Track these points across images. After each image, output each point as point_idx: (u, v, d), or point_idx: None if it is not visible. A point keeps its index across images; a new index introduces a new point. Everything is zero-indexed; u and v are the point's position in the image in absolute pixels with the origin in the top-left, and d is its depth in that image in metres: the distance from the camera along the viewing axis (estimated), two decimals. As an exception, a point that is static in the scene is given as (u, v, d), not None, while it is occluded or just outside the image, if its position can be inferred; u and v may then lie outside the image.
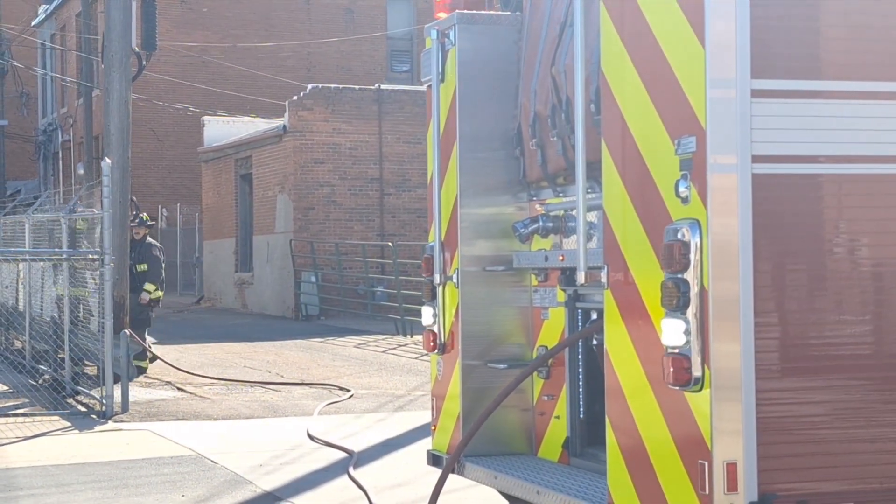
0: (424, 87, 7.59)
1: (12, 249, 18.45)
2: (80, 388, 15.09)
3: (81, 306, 15.51)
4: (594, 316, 6.47)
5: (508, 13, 7.30)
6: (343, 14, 41.90)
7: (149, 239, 17.68)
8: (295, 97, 30.04)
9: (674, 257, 5.12)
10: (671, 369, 5.12)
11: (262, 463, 11.02)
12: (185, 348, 21.12)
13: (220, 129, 34.83)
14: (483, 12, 7.32)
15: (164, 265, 17.86)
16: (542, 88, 6.78)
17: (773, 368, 5.14)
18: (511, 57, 7.16)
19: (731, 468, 4.99)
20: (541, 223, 6.85)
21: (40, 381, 15.86)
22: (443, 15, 7.30)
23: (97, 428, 13.17)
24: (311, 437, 12.23)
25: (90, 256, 14.67)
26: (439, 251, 7.23)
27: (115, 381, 13.96)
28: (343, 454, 11.25)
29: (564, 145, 6.57)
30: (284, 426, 13.22)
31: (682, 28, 5.18)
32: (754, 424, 5.05)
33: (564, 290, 6.77)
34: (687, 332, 5.08)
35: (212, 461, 11.15)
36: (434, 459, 7.35)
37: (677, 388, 5.14)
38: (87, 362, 15.64)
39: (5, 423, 13.43)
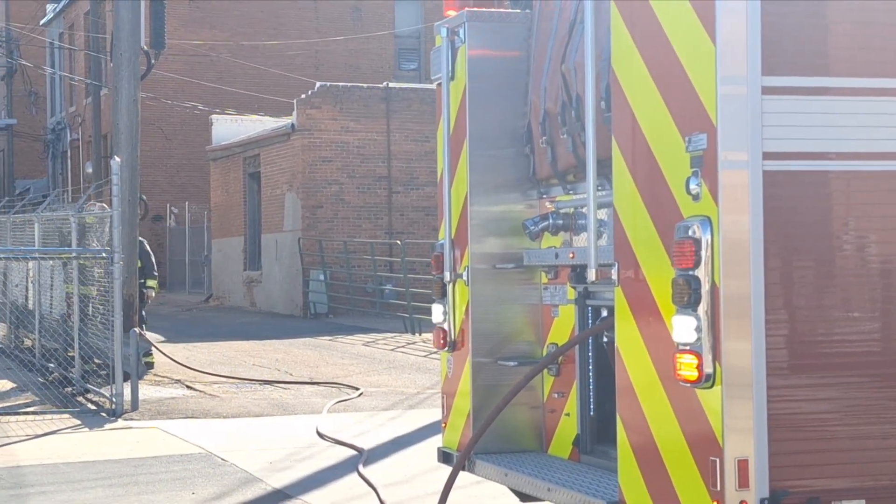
0: (433, 86, 7.59)
1: (22, 248, 18.49)
2: (89, 386, 15.12)
3: (91, 304, 15.54)
4: (604, 313, 6.47)
5: (518, 11, 7.30)
6: (351, 12, 41.92)
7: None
8: (303, 95, 30.06)
9: (685, 254, 5.12)
10: (682, 366, 5.12)
11: (272, 461, 11.03)
12: (194, 346, 21.15)
13: (229, 128, 34.87)
14: (493, 10, 7.32)
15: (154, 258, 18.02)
16: (553, 86, 6.79)
17: (785, 365, 5.14)
18: (521, 54, 7.17)
19: (742, 465, 5.00)
20: (551, 221, 6.85)
21: (50, 379, 15.89)
22: (452, 13, 7.30)
23: (107, 426, 13.20)
24: (321, 435, 12.25)
25: (101, 255, 14.69)
26: (449, 249, 7.23)
27: (125, 379, 13.99)
28: (353, 452, 11.26)
29: (574, 143, 6.57)
30: (294, 424, 13.23)
31: (692, 25, 5.18)
32: (765, 421, 5.05)
33: (575, 288, 6.77)
34: (698, 329, 5.08)
35: (221, 459, 11.17)
36: (444, 457, 7.36)
37: (688, 385, 5.14)
38: (95, 360, 15.66)
39: (15, 421, 13.47)
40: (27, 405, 14.54)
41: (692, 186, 5.16)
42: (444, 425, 7.47)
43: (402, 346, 21.58)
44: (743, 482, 5.00)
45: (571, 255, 6.64)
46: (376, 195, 29.77)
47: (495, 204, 7.16)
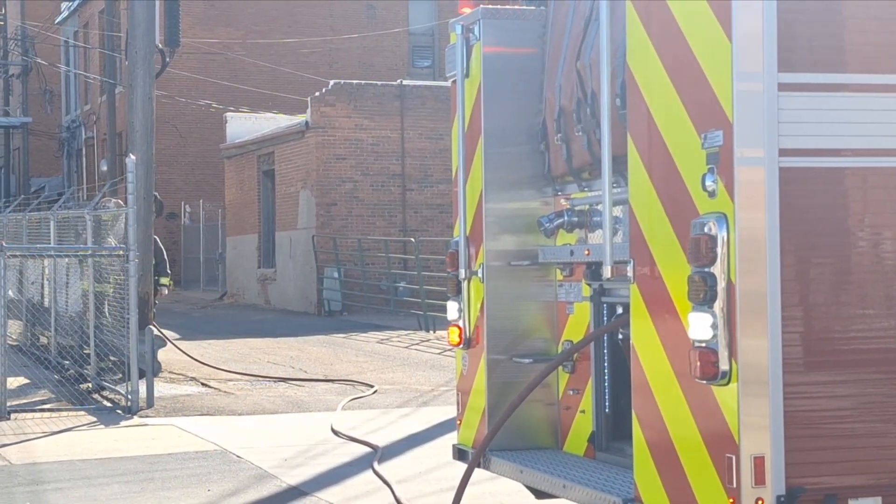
0: (447, 83, 7.60)
1: (38, 246, 18.55)
2: (105, 383, 15.17)
3: (107, 302, 15.59)
4: (620, 310, 6.47)
5: (533, 8, 7.30)
6: (365, 10, 41.94)
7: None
8: (317, 93, 30.08)
9: (701, 251, 5.12)
10: (698, 363, 5.12)
11: (287, 457, 11.05)
12: (209, 344, 21.19)
13: (243, 126, 34.91)
14: (507, 7, 7.32)
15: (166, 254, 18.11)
16: (568, 83, 6.78)
17: (801, 362, 5.13)
18: (536, 52, 7.16)
19: (758, 462, 4.99)
20: (566, 218, 6.85)
21: (65, 377, 15.94)
22: (467, 10, 7.30)
23: (122, 423, 13.23)
24: (336, 432, 12.26)
25: (118, 253, 14.73)
26: (464, 246, 7.23)
27: (140, 377, 14.03)
28: (367, 449, 11.28)
29: (590, 140, 6.57)
30: (309, 421, 13.25)
31: (708, 21, 5.18)
32: (782, 418, 5.05)
33: (590, 285, 6.77)
34: (714, 326, 5.08)
35: (237, 456, 11.19)
36: (460, 454, 7.36)
37: (704, 382, 5.14)
38: (111, 357, 15.71)
39: (32, 418, 13.51)
40: (43, 402, 14.58)
41: (708, 183, 5.16)
42: (459, 422, 7.47)
43: (417, 344, 21.59)
44: (759, 479, 4.99)
45: (587, 253, 6.64)
46: (390, 193, 29.78)
47: (510, 201, 7.16)
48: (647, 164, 5.59)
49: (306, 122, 29.82)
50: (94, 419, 13.48)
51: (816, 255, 5.21)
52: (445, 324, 7.66)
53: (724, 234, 5.07)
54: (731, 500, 5.01)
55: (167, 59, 19.90)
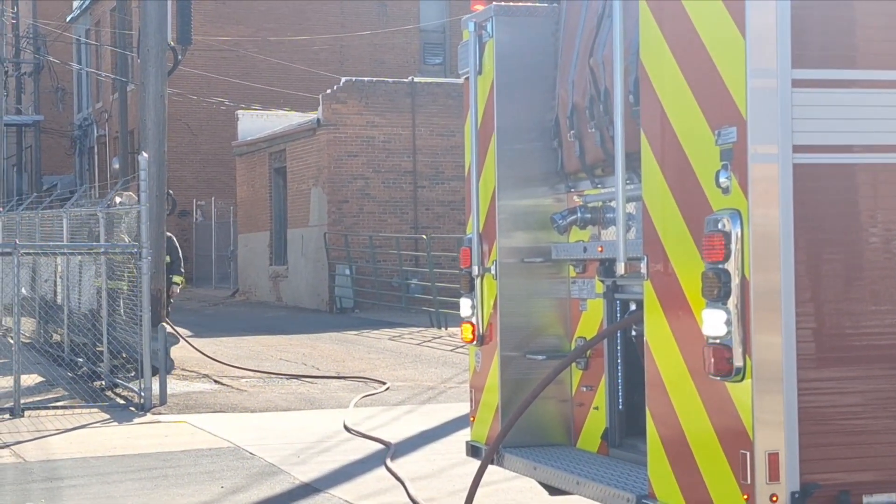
0: (458, 80, 7.61)
1: (51, 244, 18.60)
2: (118, 380, 15.21)
3: (121, 300, 15.63)
4: (633, 307, 6.47)
5: (546, 5, 7.30)
6: (376, 7, 41.94)
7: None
8: (328, 90, 30.10)
9: (714, 247, 5.12)
10: (712, 360, 5.12)
11: (300, 454, 11.07)
12: (221, 341, 21.23)
13: (254, 123, 34.95)
14: (520, 4, 7.32)
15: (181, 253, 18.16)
16: (580, 80, 6.78)
17: (815, 358, 5.13)
18: (548, 48, 7.16)
19: (772, 458, 4.99)
20: (579, 214, 6.85)
21: (79, 374, 15.99)
22: (480, 7, 7.30)
23: (136, 420, 13.27)
24: (348, 429, 12.28)
25: (129, 250, 14.77)
26: (477, 243, 7.24)
27: (153, 374, 14.07)
28: (380, 446, 11.29)
29: (603, 136, 6.57)
30: (321, 418, 13.27)
31: (722, 18, 5.17)
32: (796, 414, 5.05)
33: (603, 281, 6.77)
34: (728, 323, 5.08)
35: (250, 453, 11.21)
36: (473, 450, 7.37)
37: (718, 378, 5.14)
38: (123, 354, 15.75)
39: (46, 415, 13.56)
40: (57, 399, 14.63)
41: (722, 180, 5.16)
42: (472, 419, 7.48)
43: (429, 341, 21.60)
44: (773, 475, 4.99)
45: (600, 249, 6.64)
46: (402, 190, 29.79)
47: (523, 198, 7.16)
48: (661, 161, 5.59)
49: (318, 120, 29.84)
50: (108, 416, 13.52)
51: (830, 252, 5.21)
52: (457, 320, 7.68)
53: (738, 230, 5.07)
54: (746, 497, 5.01)
55: (179, 57, 19.92)
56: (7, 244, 18.06)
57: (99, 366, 15.77)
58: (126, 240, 15.56)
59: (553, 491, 6.89)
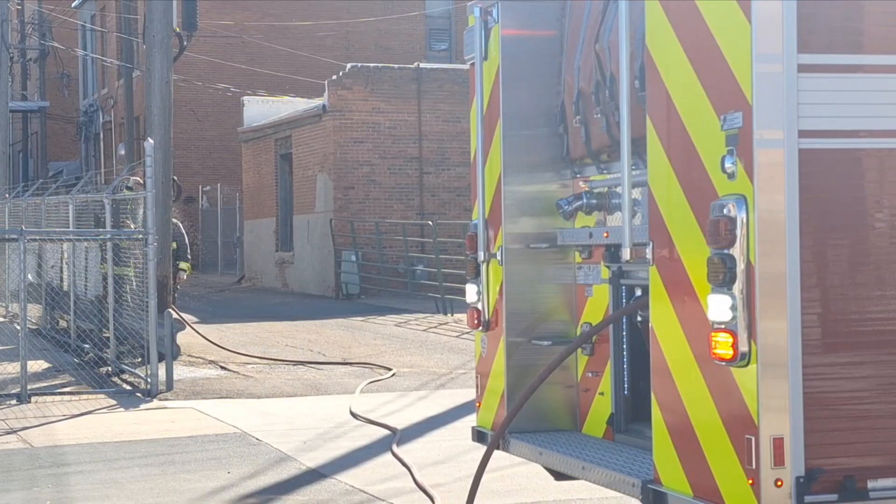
0: (464, 66, 7.59)
1: (57, 230, 18.62)
2: (124, 366, 15.25)
3: (128, 286, 15.66)
4: (638, 292, 6.47)
5: (551, -10, 7.28)
6: (381, -7, 41.89)
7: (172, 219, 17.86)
8: (334, 76, 30.09)
9: (720, 233, 5.11)
10: (718, 345, 5.12)
11: (306, 440, 11.10)
12: (227, 327, 21.27)
13: (260, 109, 34.95)
14: (526, -11, 7.30)
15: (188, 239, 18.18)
16: (586, 65, 6.78)
17: (820, 343, 5.13)
18: (554, 34, 7.15)
19: (777, 443, 5.00)
20: (585, 200, 6.85)
21: (85, 360, 16.03)
22: (485, -8, 7.28)
23: (142, 406, 13.31)
24: (354, 415, 12.31)
25: (135, 237, 14.79)
26: (483, 229, 7.24)
27: (160, 360, 14.09)
28: (386, 432, 11.31)
29: (608, 122, 6.57)
30: (327, 404, 13.30)
31: (727, 3, 5.16)
32: (801, 399, 5.05)
33: (608, 267, 6.77)
34: (733, 308, 5.08)
35: (256, 438, 11.24)
36: (479, 436, 7.38)
37: (724, 363, 5.14)
38: (130, 340, 15.79)
39: (52, 401, 13.60)
40: (64, 385, 14.68)
41: (727, 165, 5.16)
42: (478, 405, 7.49)
43: (434, 327, 21.63)
44: (778, 460, 5.00)
45: (605, 235, 6.64)
46: (408, 176, 29.79)
47: (529, 184, 7.16)
48: (666, 147, 5.59)
49: (323, 106, 29.83)
50: (114, 402, 13.56)
51: (835, 237, 5.20)
52: (463, 306, 7.67)
53: (744, 215, 5.07)
54: (751, 481, 5.02)
55: (184, 43, 19.93)
56: (13, 230, 18.09)
57: (105, 352, 15.81)
58: (131, 226, 15.58)
59: (559, 476, 6.90)
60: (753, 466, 5.01)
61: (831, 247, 5.20)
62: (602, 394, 6.89)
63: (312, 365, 16.47)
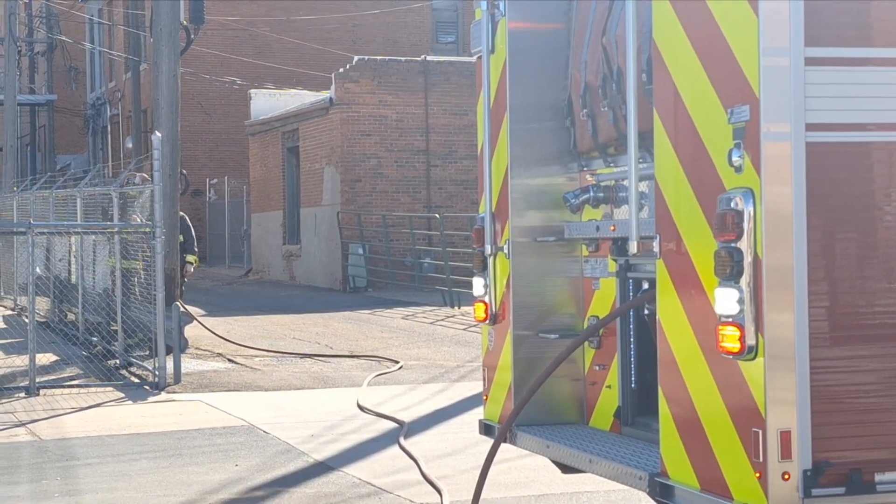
0: (471, 59, 7.59)
1: (65, 223, 18.65)
2: (132, 359, 15.28)
3: (136, 279, 15.69)
4: (645, 286, 6.48)
5: (558, -17, 7.27)
6: (388, -14, 41.86)
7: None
8: (341, 69, 30.09)
9: (727, 226, 5.11)
10: (725, 338, 5.13)
11: (314, 433, 11.12)
12: (235, 320, 21.30)
13: (267, 102, 34.96)
14: (533, -17, 7.29)
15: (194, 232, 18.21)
16: (593, 59, 6.77)
17: (827, 337, 5.13)
18: (561, 27, 7.14)
19: (784, 436, 5.00)
20: (592, 193, 6.85)
21: (93, 353, 16.06)
22: (492, -14, 7.28)
23: (150, 399, 13.34)
24: (362, 408, 12.33)
25: (143, 230, 14.82)
26: (490, 222, 7.24)
27: (167, 353, 14.12)
28: (393, 424, 11.33)
29: (615, 115, 6.57)
30: (335, 397, 13.32)
31: (735, -4, 5.16)
32: (808, 393, 5.05)
33: (616, 260, 6.77)
34: (740, 301, 5.08)
35: (264, 431, 11.27)
36: (486, 429, 7.39)
37: (731, 357, 5.14)
38: (138, 333, 15.82)
39: (61, 394, 13.63)
40: (72, 378, 14.71)
41: (734, 158, 5.15)
42: (485, 398, 7.50)
43: (442, 320, 21.64)
44: (785, 453, 5.00)
45: (612, 228, 6.64)
46: (415, 169, 29.79)
47: (536, 177, 7.16)
48: (674, 140, 5.59)
49: (330, 99, 29.84)
50: (122, 395, 13.59)
51: (843, 230, 5.20)
52: (470, 299, 7.68)
53: (751, 209, 5.07)
54: (758, 475, 5.02)
55: (192, 36, 19.94)
56: (21, 223, 18.14)
57: (113, 345, 15.85)
58: (138, 219, 15.60)
59: (566, 469, 6.91)
60: (761, 459, 5.01)
61: (839, 240, 5.20)
62: (609, 387, 6.89)
63: (320, 358, 16.49)
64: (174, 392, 13.66)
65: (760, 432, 5.01)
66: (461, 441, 10.42)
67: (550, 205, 7.14)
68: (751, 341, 5.07)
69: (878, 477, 5.14)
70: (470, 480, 7.87)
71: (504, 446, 6.94)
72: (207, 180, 40.75)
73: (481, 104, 7.33)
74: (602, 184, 6.87)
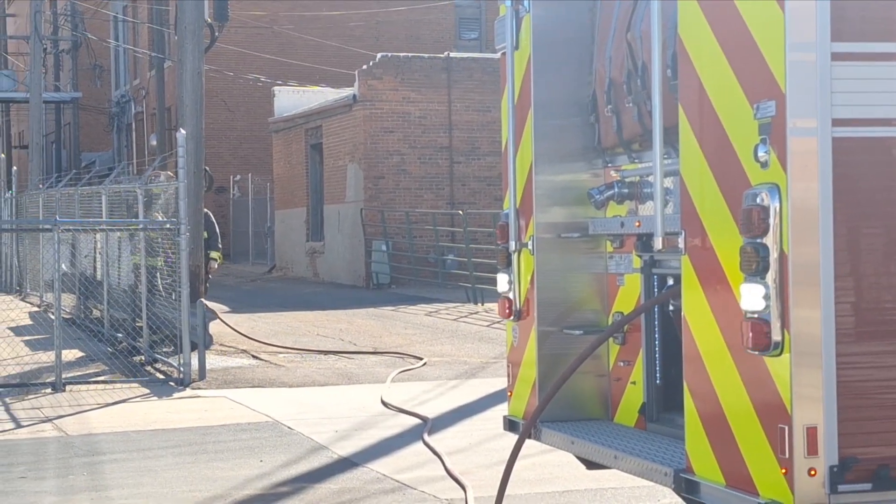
0: (494, 55, 7.59)
1: (90, 220, 18.74)
2: (157, 355, 15.34)
3: (158, 275, 15.76)
4: (670, 282, 6.47)
5: (583, -21, 7.26)
6: (411, -18, 41.86)
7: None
8: (364, 66, 30.11)
9: (753, 222, 5.10)
10: (750, 334, 5.11)
11: (338, 429, 11.14)
12: (259, 317, 21.36)
13: (291, 99, 35.02)
14: (557, -22, 7.28)
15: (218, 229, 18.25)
16: (618, 54, 6.77)
17: (854, 332, 5.11)
18: (585, 23, 7.14)
19: (811, 432, 4.99)
20: (616, 189, 6.84)
21: (118, 349, 16.14)
22: (516, -18, 7.27)
23: (175, 395, 13.39)
24: (386, 404, 12.35)
25: (168, 227, 14.87)
26: (514, 218, 7.24)
27: (192, 349, 14.17)
28: (417, 421, 11.34)
29: (640, 111, 6.56)
30: (358, 393, 13.35)
31: (761, -9, 5.14)
32: (835, 388, 5.04)
33: (640, 256, 6.76)
34: (766, 297, 5.07)
35: (288, 427, 11.30)
36: (510, 425, 7.40)
37: (756, 353, 5.13)
38: (163, 330, 15.88)
39: (87, 390, 13.70)
40: (97, 374, 14.78)
41: (760, 154, 5.14)
42: (509, 394, 7.50)
43: (465, 316, 21.65)
44: (812, 450, 4.99)
45: (637, 224, 6.63)
46: (438, 165, 29.80)
47: (560, 173, 7.16)
48: (699, 135, 5.58)
49: (353, 96, 29.87)
50: (148, 391, 13.65)
51: (869, 225, 5.18)
52: (493, 296, 7.68)
53: (777, 204, 5.06)
54: (784, 471, 5.01)
55: (216, 34, 19.99)
56: (47, 220, 18.24)
57: (138, 341, 15.91)
58: (160, 217, 15.66)
59: (590, 465, 6.91)
60: (787, 456, 5.00)
61: (865, 235, 5.18)
62: (634, 383, 6.88)
63: (343, 354, 16.52)
64: (199, 388, 13.71)
65: (786, 428, 5.00)
66: (485, 437, 10.43)
67: (575, 201, 7.14)
68: (777, 337, 5.06)
69: (905, 473, 5.12)
70: (493, 476, 7.88)
71: (528, 442, 6.94)
72: (231, 177, 40.85)
73: (505, 100, 7.33)
74: (627, 180, 6.86)
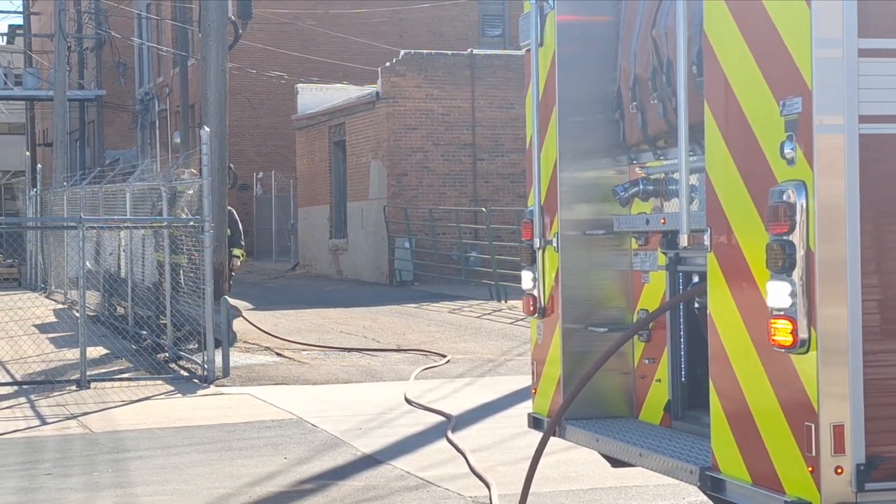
0: (518, 52, 7.59)
1: (115, 217, 18.80)
2: (181, 352, 15.38)
3: (182, 272, 15.80)
4: (696, 279, 6.44)
5: (607, -24, 7.25)
6: (434, -21, 41.85)
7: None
8: (387, 63, 30.12)
9: (779, 219, 5.08)
10: (777, 332, 5.09)
11: (362, 426, 11.15)
12: (282, 314, 21.39)
13: (314, 97, 35.05)
14: (581, -25, 7.26)
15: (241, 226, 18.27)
16: (643, 51, 6.75)
17: (880, 330, 5.08)
18: (610, 20, 7.12)
19: (837, 430, 4.96)
20: (641, 186, 6.82)
21: (143, 346, 16.19)
22: (541, -21, 7.26)
23: (199, 392, 13.43)
24: (409, 402, 12.35)
25: (192, 224, 14.91)
26: (539, 215, 7.23)
27: (216, 346, 14.20)
28: (440, 418, 11.34)
29: (665, 108, 6.53)
30: (382, 391, 13.35)
31: (787, -13, 5.12)
32: (861, 386, 5.01)
33: (665, 254, 6.74)
34: (793, 295, 5.05)
35: (312, 424, 11.31)
36: (535, 422, 7.39)
37: (783, 350, 5.11)
38: (186, 327, 15.92)
39: (111, 387, 13.75)
40: (122, 371, 14.84)
41: (787, 150, 5.12)
42: (534, 391, 7.49)
43: (488, 314, 21.64)
44: (838, 448, 4.97)
45: (662, 221, 6.61)
46: (461, 163, 29.78)
47: (585, 170, 7.14)
48: (724, 132, 5.56)
49: (377, 93, 29.88)
50: (172, 388, 13.69)
51: (896, 223, 5.15)
52: (517, 293, 7.67)
53: (804, 201, 5.03)
54: (811, 469, 4.99)
55: (240, 31, 20.03)
56: (72, 218, 18.30)
57: (162, 338, 15.96)
58: (185, 215, 15.70)
59: (615, 463, 6.90)
60: (813, 454, 4.98)
61: (892, 232, 5.15)
62: (659, 380, 6.86)
63: (367, 352, 16.53)
64: (223, 385, 13.74)
65: (813, 426, 4.98)
66: (509, 434, 10.42)
67: (599, 198, 7.12)
68: (803, 335, 5.03)
69: (932, 472, 5.09)
70: (517, 474, 7.87)
71: (552, 440, 6.93)
72: (254, 175, 40.94)
73: (530, 97, 7.32)
74: (652, 177, 6.84)
